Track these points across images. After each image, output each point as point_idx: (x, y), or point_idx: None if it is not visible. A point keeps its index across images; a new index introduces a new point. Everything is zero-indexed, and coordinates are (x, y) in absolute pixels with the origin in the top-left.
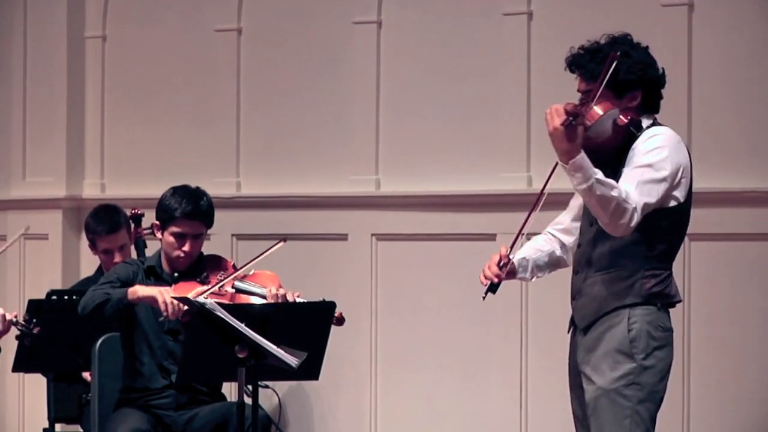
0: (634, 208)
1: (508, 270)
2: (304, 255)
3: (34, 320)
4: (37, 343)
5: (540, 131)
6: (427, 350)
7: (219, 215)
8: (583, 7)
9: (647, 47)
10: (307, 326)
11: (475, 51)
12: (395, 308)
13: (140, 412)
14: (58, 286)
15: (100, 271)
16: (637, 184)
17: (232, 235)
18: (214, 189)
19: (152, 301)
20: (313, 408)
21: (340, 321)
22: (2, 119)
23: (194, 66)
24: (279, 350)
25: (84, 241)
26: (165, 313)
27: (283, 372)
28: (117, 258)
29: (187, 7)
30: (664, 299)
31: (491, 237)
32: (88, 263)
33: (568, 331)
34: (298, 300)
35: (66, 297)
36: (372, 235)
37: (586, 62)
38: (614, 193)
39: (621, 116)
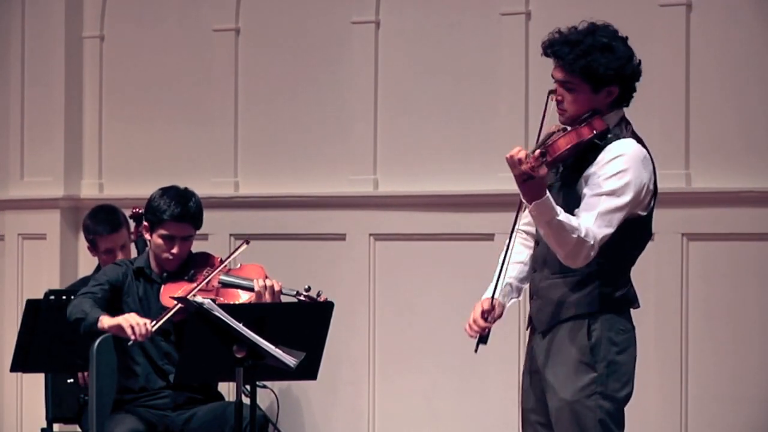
0: (592, 245)
1: (497, 314)
2: (301, 255)
3: None
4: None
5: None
6: (425, 350)
7: (217, 215)
8: (581, 7)
9: (626, 38)
10: (305, 326)
11: (473, 51)
12: (393, 308)
13: (138, 412)
14: (56, 286)
15: (98, 271)
16: (598, 215)
17: (230, 234)
18: (212, 189)
19: (118, 330)
20: (310, 408)
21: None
22: (0, 119)
23: (192, 66)
24: (277, 350)
25: (82, 241)
26: (133, 338)
27: (281, 372)
28: (119, 257)
29: (185, 7)
30: (622, 305)
31: (489, 237)
32: (86, 263)
33: (527, 329)
34: (283, 289)
35: (64, 297)
36: (370, 234)
37: (565, 54)
38: (574, 235)
39: (585, 133)
